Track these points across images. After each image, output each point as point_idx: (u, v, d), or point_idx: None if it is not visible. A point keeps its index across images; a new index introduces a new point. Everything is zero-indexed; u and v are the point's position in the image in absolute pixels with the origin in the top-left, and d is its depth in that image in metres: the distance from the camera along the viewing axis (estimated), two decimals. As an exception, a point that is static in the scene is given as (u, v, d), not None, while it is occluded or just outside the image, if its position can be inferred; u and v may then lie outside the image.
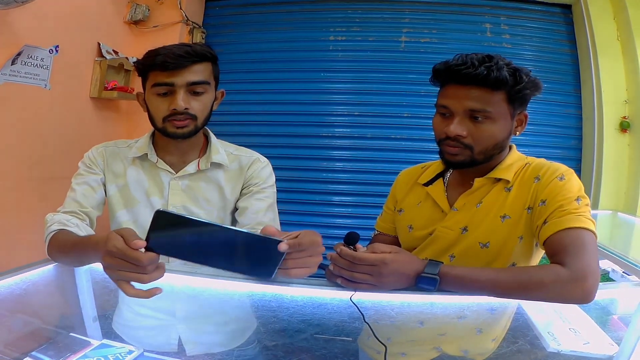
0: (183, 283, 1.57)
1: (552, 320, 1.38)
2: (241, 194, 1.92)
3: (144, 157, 1.86)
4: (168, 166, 1.85)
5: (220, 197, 1.89)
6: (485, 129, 1.48)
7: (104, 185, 1.85)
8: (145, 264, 1.10)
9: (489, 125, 1.48)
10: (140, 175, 1.86)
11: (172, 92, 1.69)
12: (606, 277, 2.52)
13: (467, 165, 1.55)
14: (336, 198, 4.57)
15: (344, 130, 4.57)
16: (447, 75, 1.52)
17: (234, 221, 1.91)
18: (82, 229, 1.62)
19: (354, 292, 1.33)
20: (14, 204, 3.15)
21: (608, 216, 3.74)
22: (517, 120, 1.56)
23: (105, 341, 1.27)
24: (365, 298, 1.34)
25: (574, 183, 1.47)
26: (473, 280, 1.30)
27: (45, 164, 3.35)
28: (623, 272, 2.33)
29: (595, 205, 4.00)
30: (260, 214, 1.85)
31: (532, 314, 1.39)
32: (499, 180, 1.57)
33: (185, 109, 1.69)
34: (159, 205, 1.82)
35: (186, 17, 4.47)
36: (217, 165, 1.87)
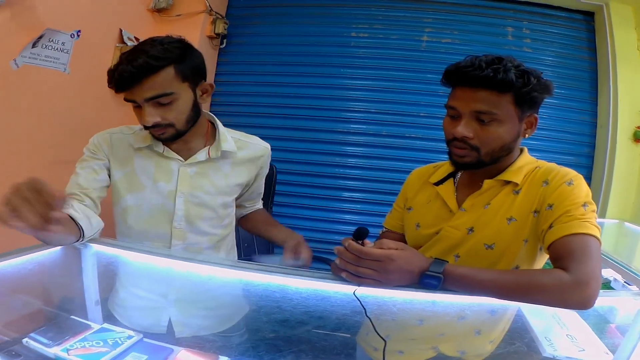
0: (180, 268, 1.59)
1: (550, 325, 1.40)
2: (255, 178, 2.06)
3: (150, 147, 1.86)
4: (176, 154, 1.86)
5: (226, 183, 1.93)
6: (492, 130, 1.48)
7: (109, 170, 1.86)
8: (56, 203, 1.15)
9: (496, 127, 1.48)
10: (147, 162, 1.87)
11: (139, 105, 1.66)
12: (607, 286, 2.51)
13: (474, 166, 1.56)
14: (346, 194, 4.59)
15: (360, 126, 4.59)
16: (456, 76, 1.53)
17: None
18: (78, 210, 1.59)
19: (358, 287, 1.35)
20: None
21: (615, 225, 3.73)
22: (527, 122, 1.55)
23: (105, 325, 1.30)
24: (369, 293, 1.35)
25: (582, 188, 1.47)
26: (476, 281, 1.31)
27: (62, 148, 3.32)
28: (625, 281, 2.33)
29: (602, 214, 4.00)
30: (260, 187, 2.18)
31: (530, 317, 1.40)
32: (509, 182, 1.58)
33: (156, 122, 1.67)
34: (166, 191, 1.85)
35: (210, 7, 4.49)
36: (226, 153, 1.90)
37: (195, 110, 1.78)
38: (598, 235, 1.36)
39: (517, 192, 1.56)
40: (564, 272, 1.27)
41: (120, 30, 3.97)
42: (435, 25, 4.56)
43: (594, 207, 1.45)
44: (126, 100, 1.66)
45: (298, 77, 4.68)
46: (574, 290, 1.24)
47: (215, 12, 4.58)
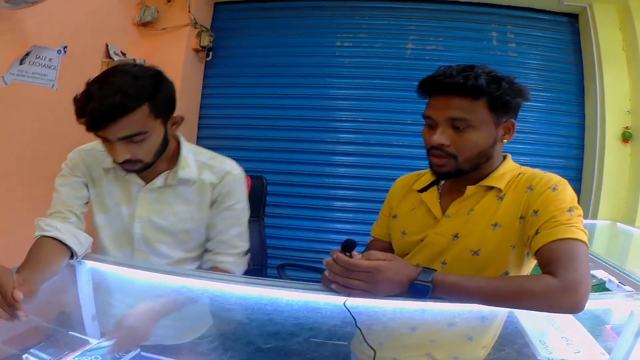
0: (148, 278, 1.59)
1: (544, 328, 1.40)
2: (211, 208, 1.87)
3: (115, 169, 1.80)
4: (138, 178, 1.80)
5: (188, 209, 1.84)
6: (467, 137, 1.49)
7: (87, 187, 1.84)
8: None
9: (471, 134, 1.49)
10: (113, 185, 1.83)
11: (109, 140, 1.57)
12: (602, 287, 2.52)
13: (454, 175, 1.57)
14: (338, 203, 4.60)
15: (348, 135, 4.61)
16: (429, 86, 1.56)
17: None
18: (63, 231, 1.59)
19: (348, 297, 1.34)
20: (20, 202, 3.18)
21: (607, 226, 3.73)
22: (504, 128, 1.55)
23: (103, 340, 1.30)
24: (359, 303, 1.35)
25: (567, 193, 1.46)
26: (465, 288, 1.30)
27: (52, 163, 3.26)
28: (619, 282, 2.34)
29: (594, 215, 3.99)
30: (228, 234, 1.86)
31: (524, 321, 1.40)
32: (492, 188, 1.58)
33: (127, 159, 1.60)
34: (127, 215, 1.82)
35: (195, 20, 4.50)
36: (185, 180, 1.81)
37: (165, 143, 1.71)
38: (585, 239, 1.36)
39: (501, 198, 1.56)
40: (552, 278, 1.26)
41: (107, 45, 3.99)
42: (420, 33, 4.59)
43: (580, 211, 1.44)
44: (96, 135, 1.58)
45: (285, 88, 4.70)
46: (563, 295, 1.23)
47: (201, 25, 4.60)
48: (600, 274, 2.64)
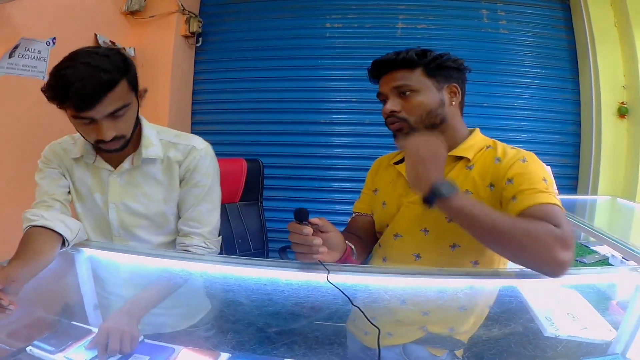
0: (141, 262, 1.64)
1: (549, 304, 1.39)
2: (180, 186, 1.85)
3: (82, 157, 1.80)
4: (107, 164, 1.80)
5: (159, 190, 1.83)
6: (413, 100, 1.65)
7: (64, 176, 1.84)
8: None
9: (416, 97, 1.65)
10: (84, 173, 1.83)
11: (94, 121, 1.55)
12: (605, 263, 2.52)
13: None
14: (335, 184, 4.61)
15: (342, 116, 4.61)
16: (374, 71, 1.77)
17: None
18: (49, 218, 1.61)
19: (328, 273, 1.36)
20: (13, 195, 3.15)
21: (607, 201, 3.74)
22: (449, 92, 1.70)
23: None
24: (342, 281, 1.36)
25: (538, 165, 1.54)
26: (479, 211, 1.34)
27: None
28: (622, 257, 2.33)
29: (594, 191, 4.03)
30: (197, 210, 1.83)
31: (529, 297, 1.40)
32: (461, 158, 1.67)
33: (113, 136, 1.58)
34: (101, 202, 1.81)
35: (182, 6, 4.48)
36: (150, 160, 1.79)
37: (137, 117, 1.72)
38: (561, 206, 1.40)
39: (470, 168, 1.64)
40: (553, 226, 1.29)
41: (95, 35, 3.96)
42: (410, 12, 4.57)
43: (553, 183, 1.52)
44: (75, 117, 1.56)
45: (276, 71, 4.69)
46: (561, 246, 1.25)
47: (189, 12, 4.57)
48: (603, 249, 2.64)
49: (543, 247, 1.25)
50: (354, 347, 1.50)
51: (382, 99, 1.74)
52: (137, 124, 1.73)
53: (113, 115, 1.55)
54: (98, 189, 1.81)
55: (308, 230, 1.37)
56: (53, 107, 1.57)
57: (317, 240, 1.36)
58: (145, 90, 1.73)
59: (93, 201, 1.81)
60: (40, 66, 3.36)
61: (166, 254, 1.67)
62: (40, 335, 1.24)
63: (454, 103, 1.69)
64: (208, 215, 1.85)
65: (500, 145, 1.65)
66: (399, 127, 1.68)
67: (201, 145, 1.85)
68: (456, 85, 1.70)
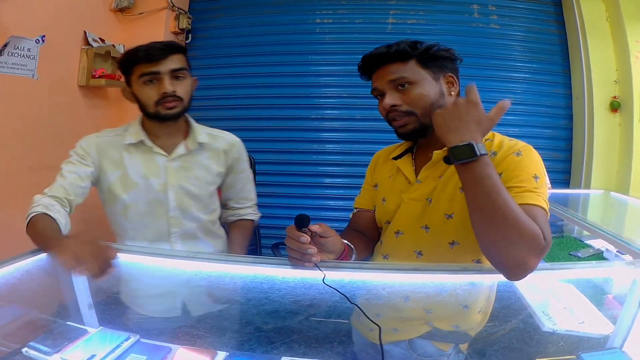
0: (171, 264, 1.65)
1: (546, 299, 1.39)
2: (227, 173, 2.21)
3: (138, 144, 2.01)
4: (161, 150, 2.02)
5: (207, 174, 2.11)
6: (412, 92, 1.61)
7: (94, 177, 1.99)
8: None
9: (415, 88, 1.61)
10: (136, 161, 2.01)
11: (158, 79, 1.90)
12: (600, 256, 2.53)
13: (420, 131, 1.64)
14: (327, 180, 4.60)
15: (333, 112, 4.60)
16: (366, 66, 1.73)
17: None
18: (62, 216, 1.74)
19: (324, 275, 1.35)
20: (5, 194, 3.15)
21: (600, 196, 3.75)
22: (446, 82, 1.66)
23: (102, 328, 1.29)
24: (339, 277, 1.37)
25: (532, 159, 1.49)
26: (499, 182, 1.30)
27: (36, 153, 3.35)
28: (617, 251, 2.34)
29: (587, 185, 4.04)
30: (245, 190, 2.31)
31: (525, 292, 1.40)
32: None
33: (173, 91, 1.90)
34: (157, 186, 2.01)
35: (172, 3, 4.45)
36: (202, 146, 2.09)
37: (191, 96, 2.05)
38: (547, 209, 1.38)
39: None
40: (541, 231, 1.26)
41: (85, 33, 3.93)
42: (400, 7, 4.55)
43: (545, 179, 1.47)
44: (142, 75, 1.89)
45: (267, 67, 4.68)
46: (537, 255, 1.23)
47: (178, 8, 4.55)
48: (598, 243, 2.66)
49: (524, 249, 1.23)
50: (360, 343, 1.51)
51: (378, 94, 1.71)
52: (190, 104, 2.05)
53: (175, 73, 1.92)
54: (153, 174, 2.02)
55: (305, 239, 1.36)
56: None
57: (312, 250, 1.36)
58: (196, 81, 2.10)
59: (148, 186, 2.01)
60: (29, 64, 3.34)
61: (166, 254, 1.72)
62: (35, 337, 1.23)
63: (452, 93, 1.66)
64: (252, 193, 2.37)
65: (498, 138, 1.62)
66: (405, 122, 1.64)
67: (237, 138, 2.27)
68: (452, 75, 1.67)
